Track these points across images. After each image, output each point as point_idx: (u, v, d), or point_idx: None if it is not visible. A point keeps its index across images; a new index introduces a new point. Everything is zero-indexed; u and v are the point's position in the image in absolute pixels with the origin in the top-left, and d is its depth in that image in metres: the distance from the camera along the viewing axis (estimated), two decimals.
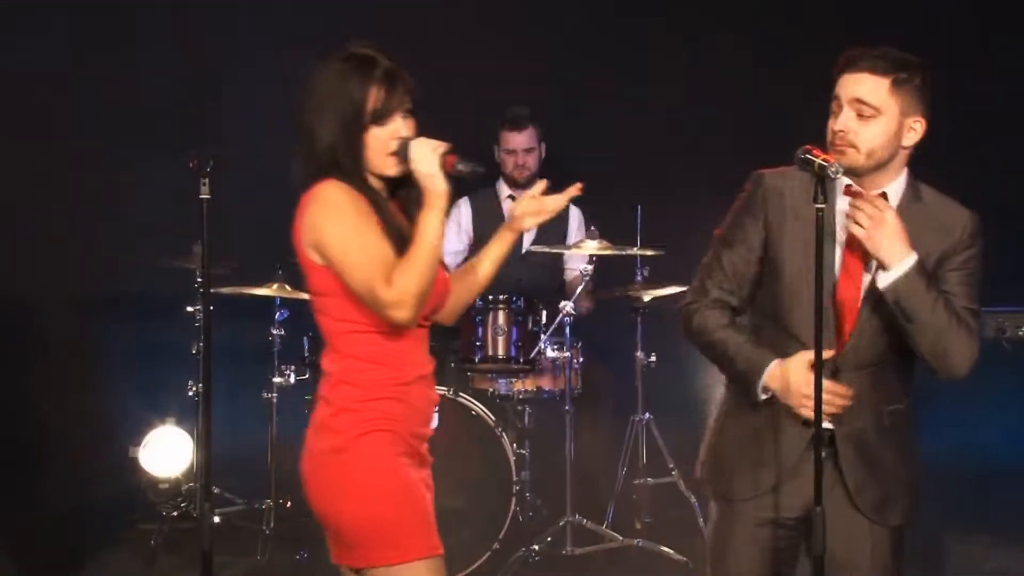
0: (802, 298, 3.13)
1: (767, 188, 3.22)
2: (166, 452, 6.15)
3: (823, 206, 2.99)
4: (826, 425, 3.11)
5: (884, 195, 3.14)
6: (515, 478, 5.42)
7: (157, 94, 6.91)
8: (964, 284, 3.14)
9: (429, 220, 2.97)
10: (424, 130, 3.08)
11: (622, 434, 6.09)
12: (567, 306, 5.60)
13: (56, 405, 6.52)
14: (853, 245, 3.14)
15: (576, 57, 7.22)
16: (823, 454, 3.08)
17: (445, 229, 3.04)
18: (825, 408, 3.04)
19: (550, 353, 5.72)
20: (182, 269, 5.88)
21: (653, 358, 5.99)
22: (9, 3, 6.88)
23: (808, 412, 3.05)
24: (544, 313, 5.72)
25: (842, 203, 3.16)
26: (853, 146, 3.09)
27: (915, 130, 3.11)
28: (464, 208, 6.29)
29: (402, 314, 2.92)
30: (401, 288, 2.91)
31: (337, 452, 2.99)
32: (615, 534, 5.69)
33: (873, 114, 3.07)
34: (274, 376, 5.89)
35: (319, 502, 3.03)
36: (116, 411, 6.70)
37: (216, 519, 5.66)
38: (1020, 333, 5.48)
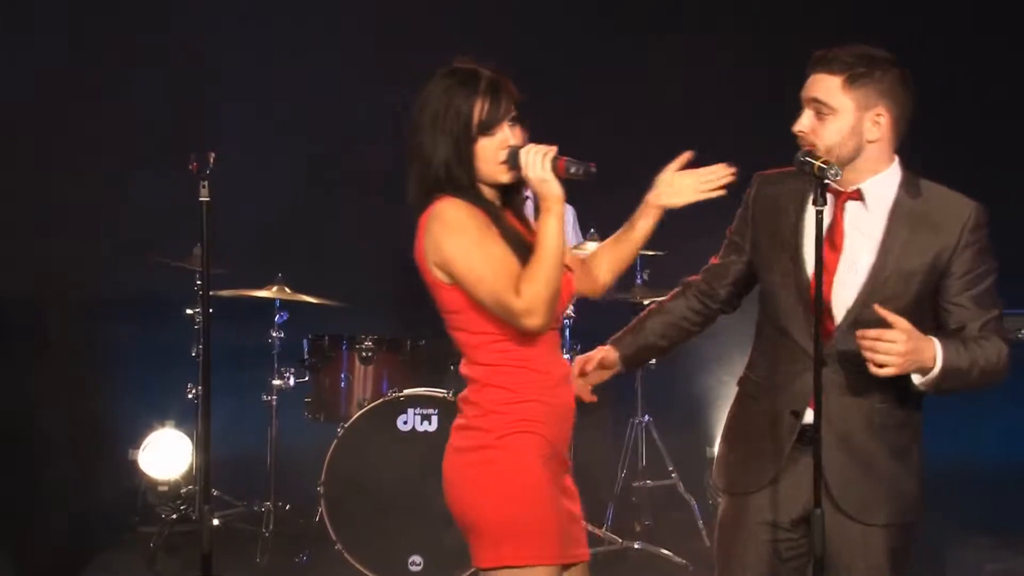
0: (786, 297, 3.16)
1: (758, 190, 3.31)
2: (165, 455, 6.15)
3: (823, 208, 3.00)
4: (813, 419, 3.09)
5: (859, 192, 3.14)
6: None
7: (157, 95, 6.91)
8: (973, 291, 3.12)
9: (548, 225, 2.97)
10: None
11: (622, 436, 6.09)
12: (567, 308, 5.58)
13: (55, 407, 6.51)
14: (827, 241, 3.12)
15: (575, 57, 7.21)
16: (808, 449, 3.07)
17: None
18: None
19: None
20: (182, 271, 5.88)
21: (652, 361, 5.97)
22: (9, 3, 6.88)
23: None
24: None
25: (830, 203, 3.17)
26: (813, 146, 3.10)
27: (879, 123, 3.10)
28: None
29: (535, 321, 2.93)
30: (531, 296, 2.92)
31: (482, 449, 2.99)
32: (615, 536, 5.69)
33: (829, 113, 3.09)
34: (273, 378, 5.89)
35: (459, 500, 3.03)
36: (115, 413, 6.70)
37: (215, 522, 5.65)
38: (1020, 336, 5.47)
